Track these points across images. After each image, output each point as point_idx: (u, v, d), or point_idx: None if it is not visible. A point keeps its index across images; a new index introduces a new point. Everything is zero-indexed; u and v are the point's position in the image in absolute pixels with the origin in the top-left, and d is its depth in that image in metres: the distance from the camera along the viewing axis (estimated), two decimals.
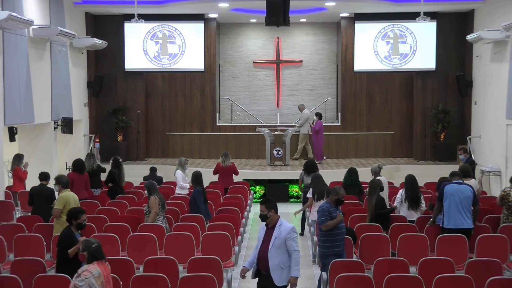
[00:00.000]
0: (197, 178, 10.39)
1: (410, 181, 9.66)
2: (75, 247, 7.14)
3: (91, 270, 5.95)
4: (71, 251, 7.14)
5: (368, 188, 9.67)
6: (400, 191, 9.93)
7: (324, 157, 17.46)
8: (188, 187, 12.09)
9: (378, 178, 10.55)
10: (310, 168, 11.91)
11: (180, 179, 11.92)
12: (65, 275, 6.73)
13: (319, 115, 17.34)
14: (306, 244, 11.09)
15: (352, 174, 11.40)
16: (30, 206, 10.32)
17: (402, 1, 16.71)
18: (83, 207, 10.58)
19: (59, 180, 9.27)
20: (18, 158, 12.35)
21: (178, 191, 12.05)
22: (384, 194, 10.50)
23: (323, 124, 17.46)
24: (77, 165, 11.35)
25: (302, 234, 11.86)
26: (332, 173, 15.28)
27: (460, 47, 17.91)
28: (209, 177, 13.83)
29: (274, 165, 16.61)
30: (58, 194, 9.11)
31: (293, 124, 18.51)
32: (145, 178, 13.94)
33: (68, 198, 8.94)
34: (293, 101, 20.18)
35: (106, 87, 18.33)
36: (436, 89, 18.22)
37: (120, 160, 12.40)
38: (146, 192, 9.57)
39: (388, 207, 9.80)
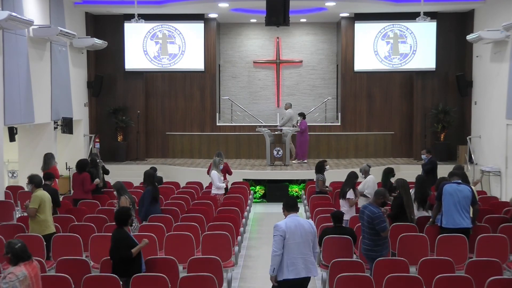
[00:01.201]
0: (149, 177, 10.28)
1: (419, 182, 9.69)
2: (139, 246, 7.11)
3: (17, 273, 5.73)
4: (135, 250, 7.08)
5: (399, 188, 9.19)
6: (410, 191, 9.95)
7: (306, 160, 17.32)
8: (224, 186, 12.16)
9: (369, 176, 10.68)
10: (316, 168, 11.93)
11: (216, 179, 11.92)
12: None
13: (303, 115, 17.32)
14: None
15: (386, 174, 11.29)
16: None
17: (402, 1, 16.72)
18: (82, 207, 10.67)
19: (32, 179, 9.00)
20: (52, 157, 12.10)
21: (214, 191, 12.03)
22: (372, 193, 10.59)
23: (307, 124, 17.40)
24: (77, 164, 11.37)
25: None
26: (333, 173, 15.28)
27: (460, 47, 17.91)
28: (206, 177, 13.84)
29: (274, 165, 16.60)
30: (32, 194, 8.89)
31: (293, 124, 18.48)
32: None
33: (43, 197, 8.83)
34: (293, 101, 20.14)
35: (106, 87, 18.33)
36: (436, 89, 18.22)
37: (98, 160, 12.24)
38: (115, 192, 9.51)
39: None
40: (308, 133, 17.43)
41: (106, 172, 12.71)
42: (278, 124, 18.88)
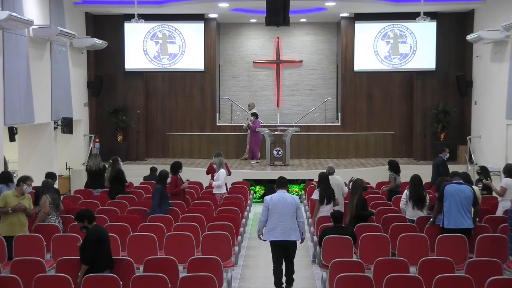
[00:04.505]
0: (161, 176, 10.43)
1: (413, 181, 9.70)
2: None
3: None
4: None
5: (350, 188, 9.61)
6: (405, 191, 9.96)
7: (259, 159, 17.35)
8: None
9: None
10: (397, 167, 11.60)
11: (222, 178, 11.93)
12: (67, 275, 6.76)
13: (255, 115, 17.38)
14: (306, 245, 11.05)
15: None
16: (35, 205, 10.29)
17: (402, 1, 16.72)
18: (83, 207, 10.66)
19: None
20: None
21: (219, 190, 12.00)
22: (340, 193, 10.62)
23: (261, 124, 17.45)
24: (173, 166, 11.31)
25: None
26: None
27: (460, 47, 17.91)
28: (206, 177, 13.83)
29: (274, 165, 16.61)
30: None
31: (293, 124, 18.50)
32: (145, 178, 13.97)
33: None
34: (293, 101, 20.20)
35: (106, 87, 18.32)
36: (436, 89, 18.22)
37: (111, 160, 12.21)
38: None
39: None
40: (306, 133, 17.46)
41: (106, 169, 12.80)
42: (278, 123, 18.96)
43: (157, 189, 10.18)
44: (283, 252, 8.24)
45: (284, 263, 8.32)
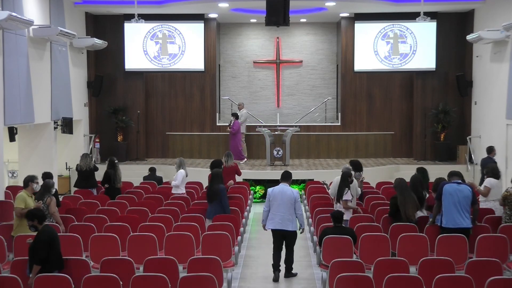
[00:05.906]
0: (217, 176, 10.42)
1: (412, 181, 9.68)
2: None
3: None
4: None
5: (397, 188, 9.25)
6: None
7: (242, 161, 17.26)
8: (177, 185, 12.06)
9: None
10: (361, 166, 11.42)
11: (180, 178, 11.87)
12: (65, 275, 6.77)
13: (235, 116, 17.37)
14: (306, 244, 11.07)
15: None
16: None
17: (402, 1, 16.72)
18: (83, 207, 10.69)
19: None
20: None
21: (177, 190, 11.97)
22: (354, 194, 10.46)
23: (240, 125, 17.41)
24: (216, 164, 11.32)
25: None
26: (333, 173, 15.27)
27: (460, 47, 17.91)
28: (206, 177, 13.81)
29: (274, 165, 16.61)
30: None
31: (293, 124, 18.50)
32: (145, 178, 13.97)
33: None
34: (293, 101, 20.20)
35: (106, 87, 18.32)
36: (436, 89, 18.22)
37: (116, 161, 12.33)
38: None
39: None
40: (306, 133, 17.42)
41: (96, 169, 12.88)
42: (278, 123, 18.94)
43: (223, 189, 10.29)
44: (282, 239, 8.97)
45: (284, 250, 9.02)
